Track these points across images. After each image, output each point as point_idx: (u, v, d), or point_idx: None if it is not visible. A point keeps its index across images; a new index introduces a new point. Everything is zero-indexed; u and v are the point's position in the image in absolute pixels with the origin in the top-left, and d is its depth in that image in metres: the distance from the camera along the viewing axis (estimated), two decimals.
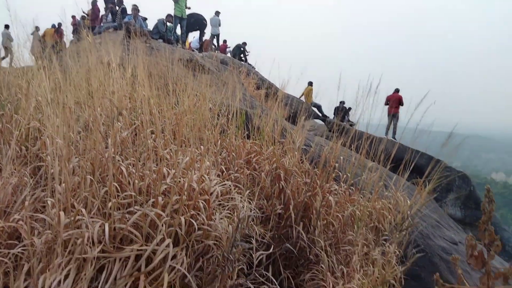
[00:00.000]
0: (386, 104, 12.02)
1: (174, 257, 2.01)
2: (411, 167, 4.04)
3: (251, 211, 2.41)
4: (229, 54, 16.29)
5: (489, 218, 0.95)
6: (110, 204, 1.94)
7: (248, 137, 4.30)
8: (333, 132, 4.47)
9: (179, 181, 2.21)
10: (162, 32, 11.43)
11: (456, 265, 1.04)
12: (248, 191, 3.00)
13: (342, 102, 12.34)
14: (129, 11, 11.32)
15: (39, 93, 3.06)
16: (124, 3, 11.64)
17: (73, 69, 3.66)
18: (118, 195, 2.13)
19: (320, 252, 3.03)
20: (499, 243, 0.95)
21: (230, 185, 2.83)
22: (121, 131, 2.58)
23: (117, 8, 11.76)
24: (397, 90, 12.61)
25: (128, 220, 1.91)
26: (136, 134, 2.89)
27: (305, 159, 4.00)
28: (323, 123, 14.32)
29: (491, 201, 0.97)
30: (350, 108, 13.54)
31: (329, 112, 14.65)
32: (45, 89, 2.72)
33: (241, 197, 2.65)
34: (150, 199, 2.09)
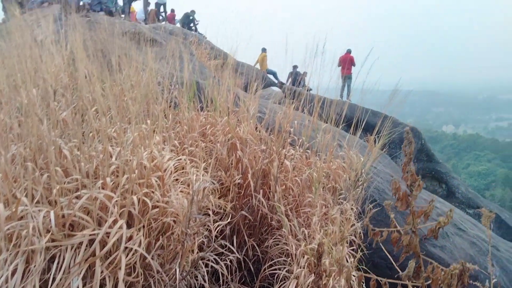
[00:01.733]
0: (339, 65, 12.11)
1: (130, 238, 1.97)
2: (363, 125, 4.18)
3: (207, 183, 2.40)
4: (178, 24, 15.66)
5: (409, 159, 1.00)
6: (55, 191, 1.84)
7: (202, 109, 4.22)
8: (287, 98, 4.49)
9: (129, 160, 2.14)
10: (103, 3, 10.75)
11: (389, 210, 1.10)
12: (204, 164, 2.97)
13: (295, 67, 12.31)
14: None
15: None
16: None
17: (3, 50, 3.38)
18: (63, 181, 2.03)
19: (282, 217, 3.11)
20: (421, 183, 1.00)
21: (185, 159, 2.79)
22: (61, 111, 2.43)
23: None
24: (349, 51, 12.72)
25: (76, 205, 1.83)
26: (79, 114, 2.74)
27: (260, 126, 4.00)
28: (279, 89, 14.33)
29: (410, 143, 1.01)
30: (305, 73, 13.54)
31: (285, 78, 14.64)
32: None
33: (196, 170, 2.62)
34: (98, 181, 2.01)
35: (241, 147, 3.45)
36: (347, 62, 12.20)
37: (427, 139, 12.95)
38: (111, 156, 2.18)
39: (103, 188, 1.97)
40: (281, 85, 13.49)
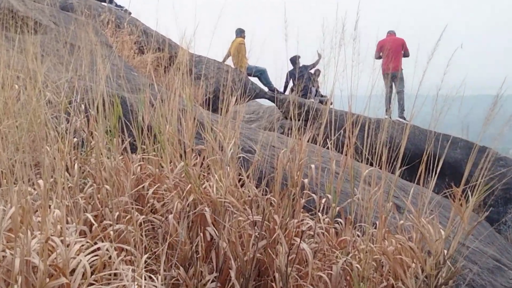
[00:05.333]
0: (379, 57, 11.66)
1: None
2: (439, 167, 4.16)
3: None
4: None
5: None
6: None
7: (135, 148, 4.19)
8: (291, 119, 4.49)
9: (2, 257, 2.08)
10: None
11: None
12: (146, 256, 2.92)
13: (294, 59, 11.66)
14: None
15: None
16: None
17: None
18: None
19: None
20: None
21: (108, 249, 2.74)
22: None
23: None
24: (393, 33, 13.00)
25: None
26: None
27: (246, 177, 3.98)
28: (273, 103, 14.33)
29: None
30: (318, 71, 13.57)
31: (280, 83, 14.56)
32: None
33: (132, 270, 2.57)
34: None
35: (213, 217, 3.42)
36: (393, 50, 12.25)
37: None
38: None
39: None
40: (274, 94, 13.58)
